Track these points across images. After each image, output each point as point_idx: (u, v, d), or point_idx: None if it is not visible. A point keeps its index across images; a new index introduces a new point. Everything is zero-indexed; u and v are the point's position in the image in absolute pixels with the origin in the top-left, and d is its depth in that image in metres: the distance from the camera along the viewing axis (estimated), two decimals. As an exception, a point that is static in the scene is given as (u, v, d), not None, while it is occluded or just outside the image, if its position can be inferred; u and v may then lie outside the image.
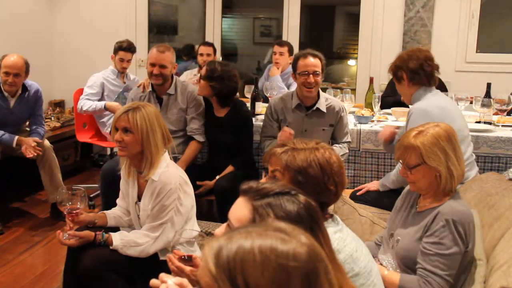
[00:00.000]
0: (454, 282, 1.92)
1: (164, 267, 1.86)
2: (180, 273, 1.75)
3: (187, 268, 1.74)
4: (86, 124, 4.79)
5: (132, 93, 3.73)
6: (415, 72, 2.85)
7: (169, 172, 2.35)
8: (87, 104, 4.43)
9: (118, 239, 2.33)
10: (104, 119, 4.57)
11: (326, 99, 3.40)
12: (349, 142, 3.48)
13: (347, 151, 3.45)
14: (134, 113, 2.30)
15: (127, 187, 2.51)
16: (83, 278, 2.30)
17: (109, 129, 3.62)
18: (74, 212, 2.32)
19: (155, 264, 2.34)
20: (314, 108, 3.36)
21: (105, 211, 2.57)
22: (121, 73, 4.65)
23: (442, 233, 1.86)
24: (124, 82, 4.65)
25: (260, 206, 1.23)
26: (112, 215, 2.56)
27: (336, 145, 3.43)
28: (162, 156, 2.36)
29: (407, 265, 1.96)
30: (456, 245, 1.85)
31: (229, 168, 3.48)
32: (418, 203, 2.08)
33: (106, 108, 4.39)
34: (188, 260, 1.78)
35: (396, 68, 2.91)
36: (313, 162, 1.61)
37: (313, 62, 3.25)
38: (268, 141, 3.44)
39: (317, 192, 1.56)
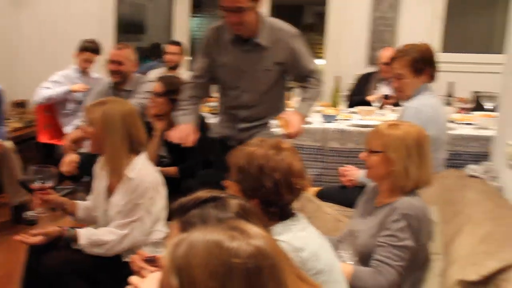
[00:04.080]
0: (409, 276, 1.96)
1: (127, 268, 1.84)
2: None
3: (152, 269, 1.73)
4: (49, 125, 4.70)
5: (97, 90, 3.71)
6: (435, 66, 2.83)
7: (146, 171, 2.31)
8: (46, 92, 4.37)
9: (84, 236, 2.27)
10: (68, 121, 4.50)
11: (272, 28, 2.72)
12: (317, 78, 2.82)
13: (317, 88, 2.80)
14: (96, 107, 2.28)
15: (98, 182, 2.47)
16: (44, 282, 2.25)
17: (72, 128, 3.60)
18: (44, 190, 2.31)
19: (118, 265, 2.31)
20: (252, 42, 2.70)
21: (76, 201, 2.53)
22: (84, 72, 4.60)
23: (396, 226, 1.89)
24: (88, 81, 4.60)
25: (186, 220, 1.21)
26: (83, 206, 2.51)
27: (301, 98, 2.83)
28: (125, 158, 2.29)
29: (366, 260, 1.99)
30: (409, 238, 1.88)
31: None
32: (376, 199, 2.11)
33: (71, 91, 4.36)
34: (152, 261, 1.77)
35: (420, 60, 2.78)
36: (251, 159, 1.62)
37: None
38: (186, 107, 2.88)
39: (254, 189, 1.56)
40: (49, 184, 2.32)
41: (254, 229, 0.96)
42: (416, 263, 1.98)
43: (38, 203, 2.33)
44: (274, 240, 0.99)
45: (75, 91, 4.38)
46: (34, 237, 2.25)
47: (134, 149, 2.31)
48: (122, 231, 2.28)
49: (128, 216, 2.28)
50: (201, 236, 0.93)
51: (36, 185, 2.31)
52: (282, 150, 1.65)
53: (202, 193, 1.26)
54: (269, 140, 1.71)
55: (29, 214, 3.48)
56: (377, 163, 2.00)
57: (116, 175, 2.32)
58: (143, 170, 2.30)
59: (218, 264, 0.89)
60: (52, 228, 2.28)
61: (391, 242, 1.89)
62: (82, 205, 2.52)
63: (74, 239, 2.28)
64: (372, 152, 2.01)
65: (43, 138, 4.63)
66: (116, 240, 2.28)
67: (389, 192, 2.03)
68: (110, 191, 2.39)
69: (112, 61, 3.57)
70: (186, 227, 1.19)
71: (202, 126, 3.30)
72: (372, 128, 2.07)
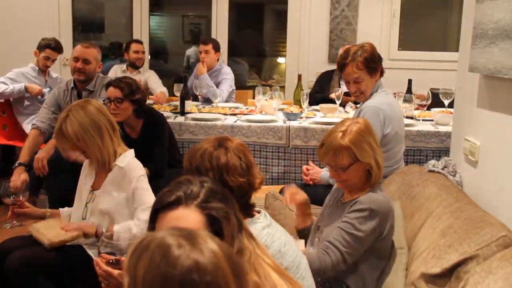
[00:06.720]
0: (375, 269, 2.01)
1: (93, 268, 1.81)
2: (108, 277, 1.72)
3: (115, 272, 1.71)
4: (7, 126, 4.56)
5: (56, 90, 3.64)
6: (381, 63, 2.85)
7: (135, 161, 2.36)
8: (1, 87, 4.24)
9: (118, 226, 2.23)
10: (26, 119, 4.38)
11: None
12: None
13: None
14: (65, 124, 2.27)
15: (83, 181, 2.46)
16: (9, 282, 2.19)
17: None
18: (18, 203, 2.31)
19: (85, 265, 2.26)
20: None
21: (60, 209, 2.49)
22: (43, 71, 4.49)
23: (355, 215, 1.94)
24: (46, 80, 4.49)
25: (212, 209, 1.24)
26: (67, 212, 2.46)
27: None
28: (116, 147, 2.33)
29: None
30: (365, 231, 1.92)
31: None
32: (343, 196, 2.15)
33: (26, 90, 4.25)
34: (116, 263, 1.75)
35: (371, 60, 2.78)
36: (191, 161, 1.62)
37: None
38: None
39: None
40: (23, 197, 2.32)
41: (207, 242, 0.93)
42: (382, 255, 2.02)
43: (14, 217, 2.32)
44: (228, 256, 0.94)
45: (29, 91, 4.27)
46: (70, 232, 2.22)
47: (113, 138, 2.35)
48: (145, 217, 2.21)
49: (144, 203, 2.25)
50: (158, 237, 0.93)
51: (9, 200, 2.32)
52: (221, 147, 1.60)
53: (197, 180, 1.29)
54: (215, 136, 1.68)
55: (5, 226, 3.40)
56: (353, 174, 2.00)
57: (107, 169, 2.33)
58: (133, 160, 2.35)
59: (157, 273, 0.89)
60: (85, 225, 2.27)
61: (346, 228, 1.94)
62: (66, 212, 2.47)
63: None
64: (344, 169, 1.98)
65: (1, 140, 4.49)
66: (140, 226, 2.22)
67: (357, 190, 2.06)
68: (95, 188, 2.39)
69: (78, 59, 3.47)
70: (211, 210, 1.23)
71: (163, 125, 3.28)
72: (326, 148, 2.00)
